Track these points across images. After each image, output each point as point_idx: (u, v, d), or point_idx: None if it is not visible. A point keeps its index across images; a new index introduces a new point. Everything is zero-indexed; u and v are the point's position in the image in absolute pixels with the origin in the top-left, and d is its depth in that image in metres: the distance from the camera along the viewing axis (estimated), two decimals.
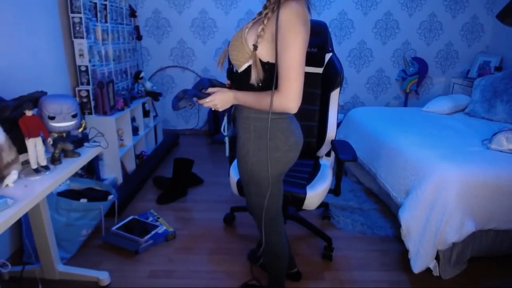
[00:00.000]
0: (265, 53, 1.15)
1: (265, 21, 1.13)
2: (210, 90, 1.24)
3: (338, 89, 1.85)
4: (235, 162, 1.92)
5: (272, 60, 1.15)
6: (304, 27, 1.10)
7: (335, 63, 1.87)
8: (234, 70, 1.26)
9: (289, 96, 1.10)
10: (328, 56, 1.92)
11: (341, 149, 1.79)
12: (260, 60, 1.16)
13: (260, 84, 1.17)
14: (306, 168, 1.93)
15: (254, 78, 1.16)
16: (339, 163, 1.77)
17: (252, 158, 1.27)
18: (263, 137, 1.23)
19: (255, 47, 1.14)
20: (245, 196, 1.45)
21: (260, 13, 1.21)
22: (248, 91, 1.19)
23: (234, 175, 1.81)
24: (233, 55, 1.21)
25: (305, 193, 1.68)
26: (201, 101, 1.21)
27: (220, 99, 1.21)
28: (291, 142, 1.28)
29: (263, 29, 1.13)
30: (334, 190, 1.84)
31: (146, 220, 2.26)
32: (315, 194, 1.70)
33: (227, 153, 1.99)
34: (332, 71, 1.87)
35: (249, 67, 1.17)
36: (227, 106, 1.24)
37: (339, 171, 1.80)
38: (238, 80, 1.25)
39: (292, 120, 1.30)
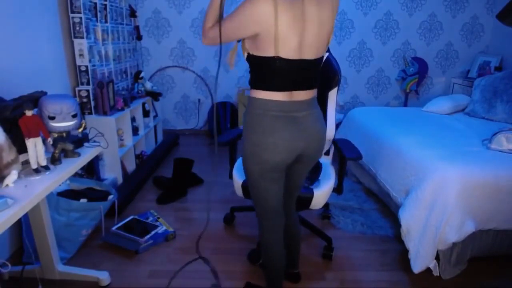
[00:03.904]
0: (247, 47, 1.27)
1: None
2: None
3: (335, 88, 1.84)
4: (237, 163, 1.92)
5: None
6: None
7: (332, 62, 1.87)
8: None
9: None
10: (325, 55, 1.92)
11: (345, 147, 1.80)
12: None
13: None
14: None
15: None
16: (342, 162, 1.77)
17: (243, 151, 1.36)
18: (246, 131, 1.32)
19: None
20: None
21: None
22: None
23: (238, 177, 1.80)
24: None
25: (313, 193, 1.69)
26: None
27: None
28: (269, 141, 1.26)
29: None
30: (337, 188, 1.84)
31: (146, 220, 2.26)
32: (322, 192, 1.72)
33: None
34: (329, 70, 1.87)
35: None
36: None
37: (342, 170, 1.81)
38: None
39: (277, 120, 1.26)
